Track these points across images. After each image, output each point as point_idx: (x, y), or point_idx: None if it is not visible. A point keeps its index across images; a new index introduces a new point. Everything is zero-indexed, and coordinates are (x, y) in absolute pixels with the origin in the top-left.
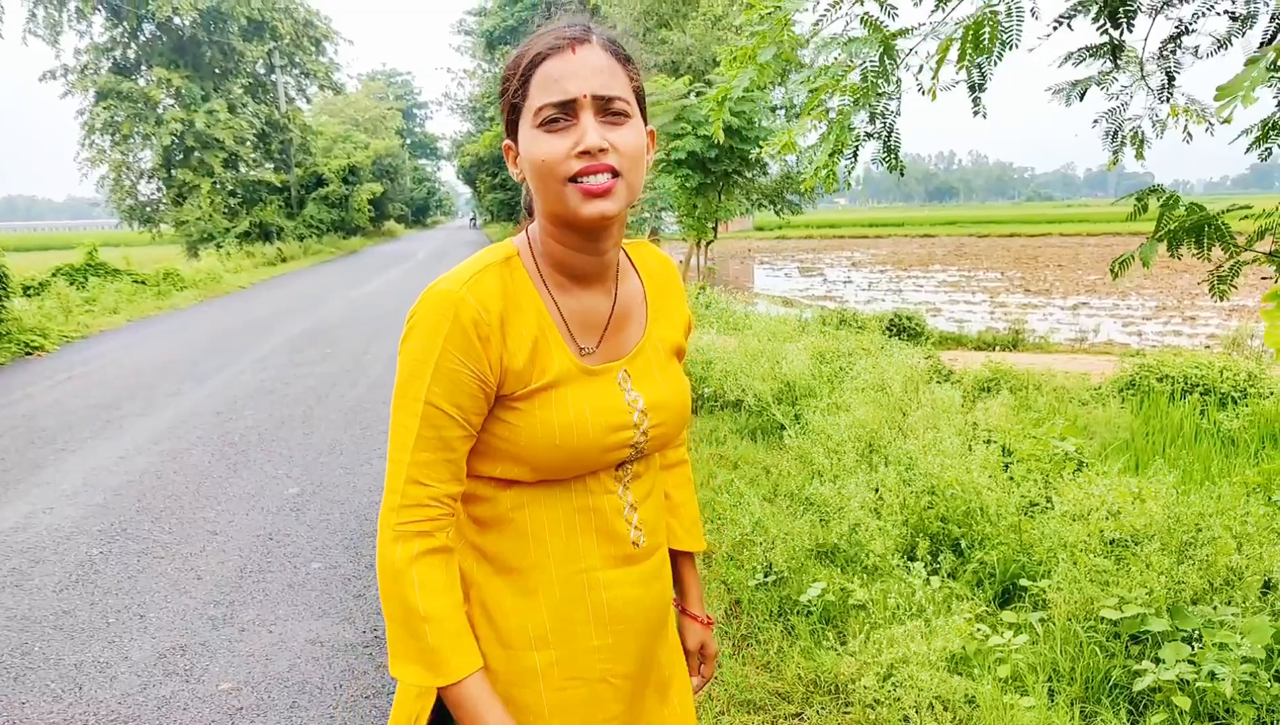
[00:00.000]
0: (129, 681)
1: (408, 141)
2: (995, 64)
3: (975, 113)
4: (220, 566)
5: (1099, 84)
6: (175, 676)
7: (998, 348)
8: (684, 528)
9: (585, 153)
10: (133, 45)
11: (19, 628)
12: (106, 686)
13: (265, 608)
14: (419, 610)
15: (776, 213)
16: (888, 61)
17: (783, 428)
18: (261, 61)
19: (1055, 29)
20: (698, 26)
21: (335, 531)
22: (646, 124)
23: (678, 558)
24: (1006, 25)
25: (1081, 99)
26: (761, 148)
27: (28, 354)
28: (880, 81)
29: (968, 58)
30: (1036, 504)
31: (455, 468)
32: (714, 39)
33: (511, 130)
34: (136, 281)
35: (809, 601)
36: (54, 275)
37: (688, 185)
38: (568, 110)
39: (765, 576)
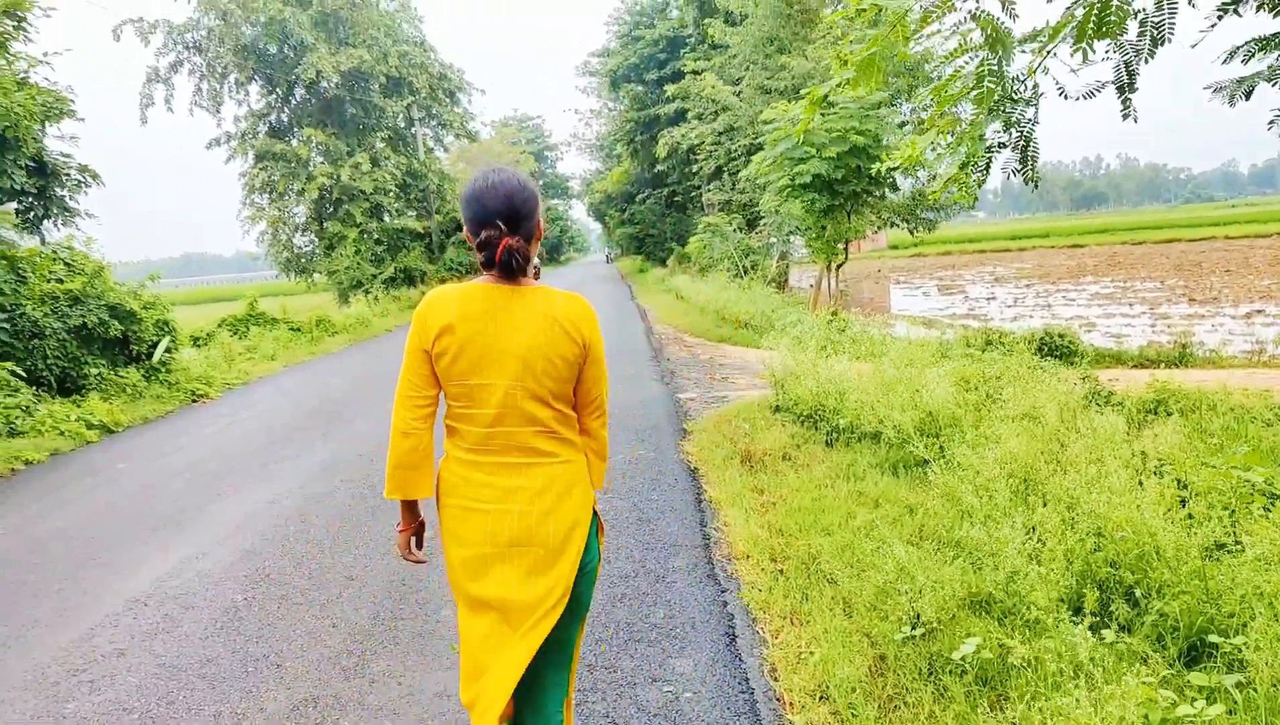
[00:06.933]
0: None
1: (540, 183)
2: (1146, 62)
3: (1125, 116)
4: (355, 613)
5: (1270, 80)
6: None
7: (1162, 364)
8: None
9: None
10: (285, 109)
11: (167, 675)
12: None
13: (395, 658)
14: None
15: (910, 232)
16: (1002, 53)
17: (926, 462)
18: (401, 115)
19: (1221, 18)
20: (818, 50)
21: None
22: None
23: None
24: (1158, 19)
25: (1248, 98)
26: (882, 160)
27: (194, 401)
28: (999, 85)
29: (1087, 38)
30: (1223, 545)
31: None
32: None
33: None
34: (292, 329)
35: (963, 659)
36: (219, 326)
37: (815, 208)
38: None
39: (913, 629)
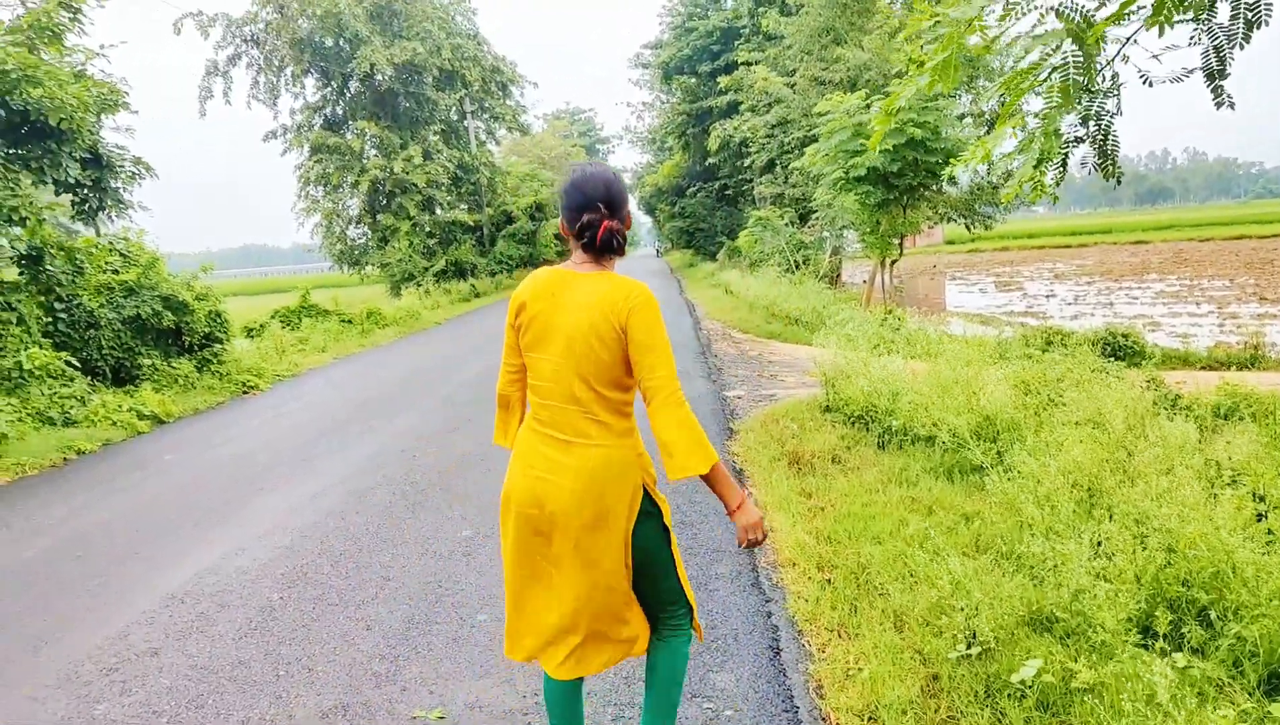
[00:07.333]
0: None
1: None
2: (1241, 47)
3: (1219, 104)
4: (389, 615)
5: None
6: None
7: (1233, 366)
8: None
9: None
10: (340, 102)
11: (198, 678)
12: None
13: (429, 664)
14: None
15: (967, 227)
16: (1090, 42)
17: (982, 468)
18: (453, 108)
19: None
20: (875, 41)
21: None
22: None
23: None
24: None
25: None
26: (952, 163)
27: (244, 392)
28: (1085, 75)
29: (1164, 14)
30: None
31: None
32: (893, 51)
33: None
34: (343, 321)
35: (1023, 682)
36: (271, 317)
37: (869, 202)
38: None
39: (968, 648)
